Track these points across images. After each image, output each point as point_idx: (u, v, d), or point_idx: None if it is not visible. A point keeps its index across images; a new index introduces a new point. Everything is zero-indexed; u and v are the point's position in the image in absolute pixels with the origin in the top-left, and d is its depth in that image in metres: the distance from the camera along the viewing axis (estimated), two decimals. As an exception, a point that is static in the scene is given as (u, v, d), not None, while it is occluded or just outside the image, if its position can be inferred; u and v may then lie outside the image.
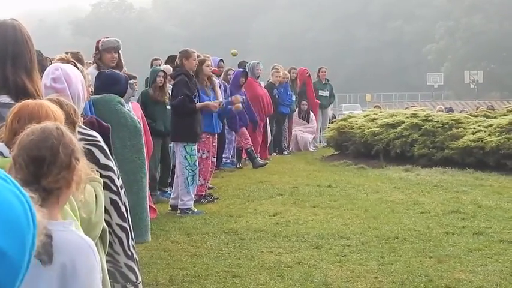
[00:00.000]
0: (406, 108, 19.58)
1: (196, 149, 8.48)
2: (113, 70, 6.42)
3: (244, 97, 11.90)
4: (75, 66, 3.60)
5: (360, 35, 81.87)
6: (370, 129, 13.44)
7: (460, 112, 18.22)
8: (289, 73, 15.56)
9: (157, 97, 9.29)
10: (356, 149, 13.71)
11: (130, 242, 3.68)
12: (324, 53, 75.41)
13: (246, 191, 9.70)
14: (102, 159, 3.40)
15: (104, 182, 3.18)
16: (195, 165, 8.38)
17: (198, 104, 8.42)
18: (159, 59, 11.41)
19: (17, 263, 1.23)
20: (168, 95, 9.20)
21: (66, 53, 4.10)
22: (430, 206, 8.46)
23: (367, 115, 15.24)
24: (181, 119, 8.36)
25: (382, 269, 5.72)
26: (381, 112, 15.74)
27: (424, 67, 72.30)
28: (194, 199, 8.48)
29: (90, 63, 7.46)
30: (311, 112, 16.48)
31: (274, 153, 14.99)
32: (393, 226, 7.34)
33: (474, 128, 12.23)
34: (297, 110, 16.10)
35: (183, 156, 8.34)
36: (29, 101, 2.57)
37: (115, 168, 3.51)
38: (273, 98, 14.02)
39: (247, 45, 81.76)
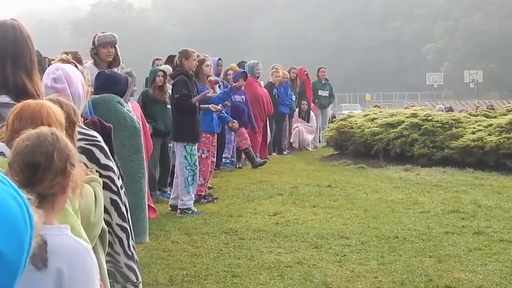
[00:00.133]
0: (405, 108, 19.57)
1: (196, 148, 8.48)
2: (113, 70, 6.43)
3: (244, 97, 11.93)
4: (76, 66, 3.60)
5: (359, 35, 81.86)
6: (369, 129, 13.45)
7: (460, 112, 18.23)
8: (289, 73, 15.58)
9: (157, 96, 9.31)
10: (356, 148, 13.72)
11: (131, 242, 3.68)
12: (323, 52, 75.38)
13: (246, 191, 9.70)
14: (103, 160, 3.40)
15: (104, 182, 3.18)
16: (195, 165, 8.38)
17: (195, 98, 8.37)
18: (161, 59, 11.43)
19: (14, 263, 1.23)
20: (168, 95, 9.21)
21: (67, 53, 4.10)
22: (430, 206, 8.46)
23: (366, 115, 15.24)
24: (182, 118, 8.35)
25: (382, 268, 5.72)
26: (380, 112, 15.75)
27: (423, 67, 72.30)
28: (194, 199, 8.48)
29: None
30: (311, 112, 16.50)
31: (274, 153, 15.00)
32: (393, 226, 7.34)
33: (474, 128, 12.23)
34: (297, 110, 16.12)
35: (183, 156, 8.34)
36: (30, 101, 2.57)
37: (115, 169, 3.51)
38: (272, 97, 14.03)
39: (246, 45, 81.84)
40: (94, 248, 2.72)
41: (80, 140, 3.15)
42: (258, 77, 13.72)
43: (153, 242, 6.65)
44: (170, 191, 9.14)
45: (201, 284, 5.39)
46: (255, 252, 6.30)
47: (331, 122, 16.24)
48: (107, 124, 3.83)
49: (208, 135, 9.11)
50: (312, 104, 16.77)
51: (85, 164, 3.07)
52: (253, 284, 5.35)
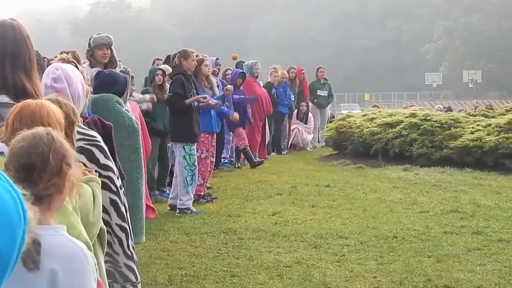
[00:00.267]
0: (404, 108, 19.58)
1: (195, 148, 8.48)
2: (112, 70, 6.42)
3: (243, 96, 11.94)
4: (76, 66, 3.61)
5: (359, 35, 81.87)
6: (368, 129, 13.45)
7: (459, 111, 18.23)
8: (288, 73, 15.57)
9: (156, 95, 9.31)
10: (355, 148, 13.72)
11: (130, 242, 3.68)
12: (322, 52, 75.37)
13: (245, 191, 9.71)
14: (102, 160, 3.40)
15: (103, 182, 3.18)
16: (194, 165, 8.38)
17: (188, 100, 8.36)
18: (161, 59, 11.45)
19: (6, 256, 1.24)
20: (167, 94, 9.21)
21: (66, 53, 4.10)
22: (429, 206, 8.46)
23: (365, 115, 15.24)
24: (179, 119, 8.35)
25: (381, 268, 5.73)
26: (379, 112, 15.75)
27: (422, 67, 72.33)
28: (193, 199, 8.48)
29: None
30: (310, 114, 16.51)
31: (273, 153, 15.00)
32: (392, 226, 7.34)
33: (473, 128, 12.24)
34: (296, 111, 16.10)
35: (182, 156, 8.34)
36: (30, 101, 2.57)
37: (115, 169, 3.51)
38: (271, 97, 14.03)
39: (246, 45, 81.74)
40: (92, 248, 2.73)
41: (79, 140, 3.15)
42: (257, 76, 13.73)
43: (152, 242, 6.66)
44: (169, 190, 9.14)
45: (200, 283, 5.39)
46: (254, 252, 6.30)
47: (330, 122, 16.24)
48: (107, 123, 3.84)
49: (207, 135, 9.11)
50: (311, 104, 16.77)
51: (84, 164, 3.07)
52: (252, 284, 5.36)
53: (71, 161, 2.11)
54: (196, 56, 8.82)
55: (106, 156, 3.42)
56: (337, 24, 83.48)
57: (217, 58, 12.24)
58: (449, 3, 73.91)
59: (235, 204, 8.82)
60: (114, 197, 3.52)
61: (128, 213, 3.67)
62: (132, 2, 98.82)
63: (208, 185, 9.71)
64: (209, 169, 9.32)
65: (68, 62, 3.60)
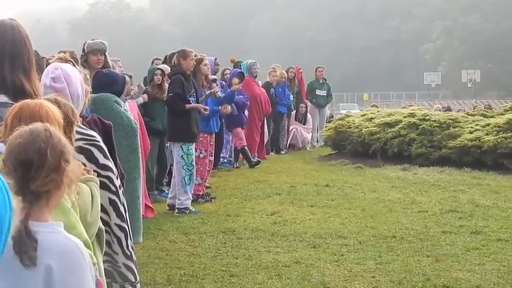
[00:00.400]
0: (403, 108, 19.59)
1: (193, 148, 8.48)
2: (111, 70, 6.43)
3: (242, 96, 11.93)
4: (74, 66, 3.60)
5: (357, 34, 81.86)
6: (367, 129, 13.46)
7: (458, 111, 18.25)
8: (287, 72, 15.56)
9: (155, 95, 9.33)
10: (353, 148, 13.73)
11: (129, 242, 3.68)
12: (321, 52, 75.36)
13: (244, 191, 9.71)
14: (101, 159, 3.40)
15: (103, 181, 3.18)
16: (192, 165, 8.38)
17: (188, 105, 8.38)
18: (160, 59, 11.45)
19: None
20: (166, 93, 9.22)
21: (64, 52, 4.10)
22: (428, 205, 8.47)
23: (364, 114, 15.25)
24: (177, 119, 8.35)
25: (380, 268, 5.73)
26: (378, 111, 15.75)
27: (421, 66, 72.34)
28: (191, 198, 8.48)
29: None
30: (308, 114, 16.50)
31: (272, 153, 15.00)
32: (391, 225, 7.35)
33: (471, 127, 12.25)
34: (294, 111, 16.10)
35: (180, 155, 8.34)
36: (29, 101, 2.57)
37: (114, 168, 3.51)
38: (270, 97, 14.03)
39: (244, 45, 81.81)
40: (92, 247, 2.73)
41: (78, 139, 3.15)
42: (255, 76, 13.73)
43: (150, 242, 6.66)
44: (168, 190, 9.14)
45: (198, 283, 5.39)
46: (252, 252, 6.30)
47: (329, 122, 16.24)
48: (107, 122, 3.84)
49: (206, 135, 9.11)
50: (309, 104, 16.77)
51: (84, 164, 3.07)
52: (250, 284, 5.36)
53: (69, 157, 2.10)
54: (195, 55, 8.82)
55: (105, 156, 3.42)
56: (336, 24, 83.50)
57: (215, 58, 12.23)
58: (447, 3, 73.92)
59: (234, 204, 8.82)
60: (113, 197, 3.52)
61: (127, 213, 3.67)
62: (131, 1, 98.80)
63: (207, 185, 9.72)
64: (208, 169, 9.32)
65: (66, 61, 3.60)
